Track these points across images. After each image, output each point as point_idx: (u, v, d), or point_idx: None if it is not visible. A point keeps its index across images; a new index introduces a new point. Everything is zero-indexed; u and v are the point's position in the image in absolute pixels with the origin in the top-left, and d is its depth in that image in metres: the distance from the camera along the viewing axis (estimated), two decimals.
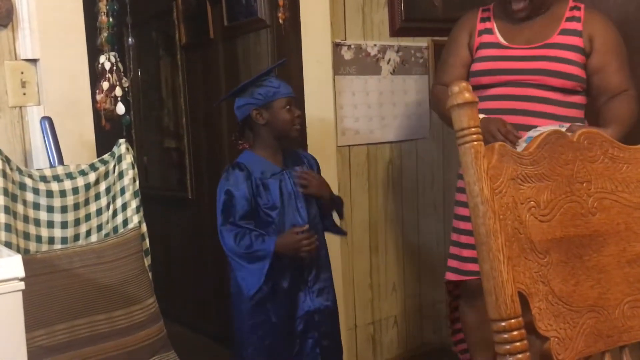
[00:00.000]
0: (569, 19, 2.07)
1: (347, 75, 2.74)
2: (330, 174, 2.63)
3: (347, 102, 2.74)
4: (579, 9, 2.09)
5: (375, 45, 2.81)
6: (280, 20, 2.54)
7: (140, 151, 3.79)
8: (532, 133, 1.88)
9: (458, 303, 2.33)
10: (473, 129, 0.84)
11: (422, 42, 2.93)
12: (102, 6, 2.11)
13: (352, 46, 2.74)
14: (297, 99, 2.10)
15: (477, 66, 2.13)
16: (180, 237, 3.57)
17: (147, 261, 1.97)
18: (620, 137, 1.83)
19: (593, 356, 0.96)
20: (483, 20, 2.18)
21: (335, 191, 2.66)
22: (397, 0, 2.84)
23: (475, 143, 0.84)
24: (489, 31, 2.14)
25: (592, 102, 2.10)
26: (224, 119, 3.09)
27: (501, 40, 2.10)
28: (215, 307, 3.29)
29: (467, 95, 0.83)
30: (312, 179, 2.05)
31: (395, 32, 2.87)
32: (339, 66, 2.70)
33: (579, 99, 2.08)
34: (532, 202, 0.89)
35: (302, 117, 2.33)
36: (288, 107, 1.99)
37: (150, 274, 1.95)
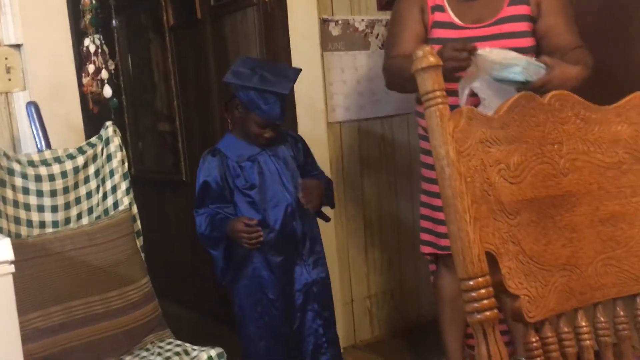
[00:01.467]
0: None
1: (335, 51, 2.73)
2: (321, 151, 2.64)
3: (337, 78, 2.73)
4: None
5: (363, 20, 2.80)
6: None
7: (135, 135, 3.79)
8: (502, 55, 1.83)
9: None
10: (438, 92, 0.84)
11: None
12: None
13: (340, 22, 2.73)
14: (279, 126, 2.03)
15: (435, 48, 2.09)
16: (177, 219, 3.59)
17: (139, 242, 1.98)
18: (585, 78, 1.84)
19: (566, 314, 0.97)
20: None
21: (327, 168, 2.68)
22: None
23: (441, 106, 0.85)
24: (441, 8, 2.09)
25: None
26: (214, 100, 3.09)
27: (455, 19, 2.06)
28: (212, 286, 3.31)
29: (432, 59, 0.83)
30: (312, 192, 2.06)
31: (382, 6, 2.85)
32: (327, 42, 2.70)
33: None
34: (501, 165, 0.90)
35: (290, 100, 2.32)
36: (262, 126, 1.98)
37: (142, 255, 1.97)
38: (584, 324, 0.97)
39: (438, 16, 2.09)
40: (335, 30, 2.72)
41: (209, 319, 3.29)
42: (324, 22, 2.67)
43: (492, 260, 0.88)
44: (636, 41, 2.78)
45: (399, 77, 2.10)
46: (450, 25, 2.07)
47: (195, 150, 3.31)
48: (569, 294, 0.94)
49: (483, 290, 0.84)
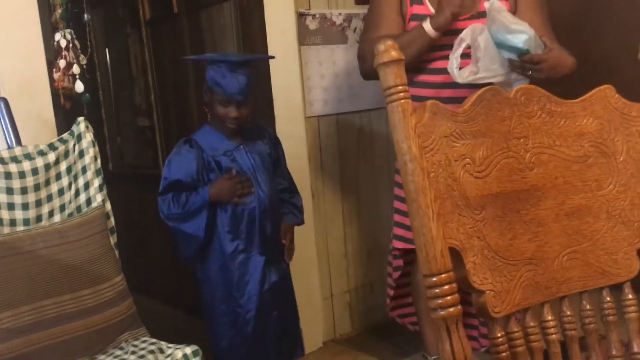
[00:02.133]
0: None
1: (312, 45, 2.71)
2: (299, 145, 2.63)
3: (314, 72, 2.72)
4: None
5: (340, 14, 2.78)
6: None
7: (113, 130, 3.75)
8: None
9: (408, 269, 2.35)
10: (400, 87, 0.83)
11: None
12: None
13: (317, 16, 2.71)
14: (244, 102, 1.99)
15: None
16: (156, 213, 3.55)
17: (113, 239, 1.96)
18: (573, 69, 1.90)
19: (532, 307, 0.97)
20: None
21: (305, 162, 2.67)
22: None
23: (403, 101, 0.84)
24: (419, 1, 2.10)
25: None
26: (192, 94, 3.06)
27: (432, 12, 2.06)
28: (191, 280, 3.30)
29: (394, 54, 0.82)
30: (288, 234, 2.10)
31: (360, 0, 2.84)
32: (304, 36, 2.68)
33: None
34: (467, 159, 0.90)
35: (268, 95, 2.30)
36: (225, 104, 1.96)
37: (117, 252, 1.95)
38: (550, 317, 0.98)
39: (416, 9, 2.10)
40: (312, 24, 2.70)
41: (188, 314, 3.27)
42: (301, 16, 2.66)
43: (457, 255, 0.87)
44: (608, 33, 2.81)
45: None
46: (428, 18, 2.05)
47: (173, 144, 3.27)
48: (534, 288, 0.94)
49: (446, 287, 0.84)
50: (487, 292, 0.89)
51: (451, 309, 0.83)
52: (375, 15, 2.18)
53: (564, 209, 0.98)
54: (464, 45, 1.89)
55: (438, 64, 2.07)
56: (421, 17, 2.07)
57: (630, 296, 1.02)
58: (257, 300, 1.99)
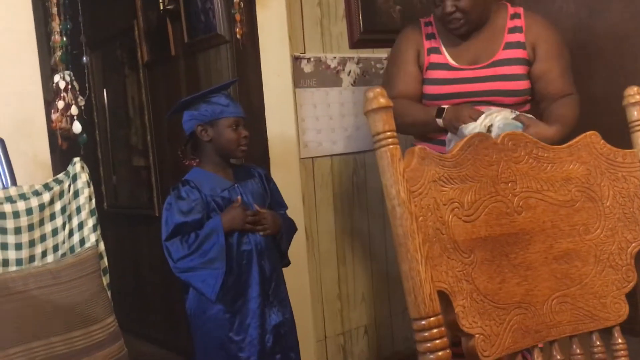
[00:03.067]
0: (511, 30, 2.07)
1: (307, 87, 2.75)
2: (294, 186, 2.64)
3: (309, 114, 2.76)
4: (519, 16, 2.09)
5: (335, 57, 2.84)
6: (238, 36, 2.55)
7: (108, 170, 3.77)
8: (487, 115, 1.88)
9: None
10: (388, 133, 0.85)
11: (382, 53, 2.96)
12: (55, 25, 2.12)
13: (312, 59, 2.76)
14: (247, 120, 2.09)
15: (430, 89, 2.13)
16: (149, 254, 3.55)
17: (106, 280, 1.95)
18: (562, 136, 1.85)
19: (521, 352, 0.97)
20: (428, 37, 2.17)
21: (299, 203, 2.68)
22: (355, 12, 2.87)
23: (391, 147, 0.86)
24: (437, 50, 2.13)
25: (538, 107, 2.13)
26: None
27: (450, 61, 2.10)
28: (185, 323, 3.27)
29: (382, 101, 0.85)
30: (268, 218, 2.03)
31: (354, 44, 2.89)
32: (299, 79, 2.72)
33: (527, 107, 2.11)
34: (455, 203, 0.91)
35: (263, 135, 2.34)
36: (235, 127, 1.99)
37: (109, 293, 1.94)
38: None
39: (434, 58, 2.13)
40: (307, 67, 2.75)
41: (180, 356, 3.23)
42: (296, 59, 2.71)
43: (446, 299, 0.88)
44: (596, 78, 2.87)
45: (400, 120, 2.14)
46: (446, 67, 2.10)
47: (168, 185, 3.29)
48: (524, 332, 0.95)
49: (435, 330, 0.84)
50: (477, 335, 0.89)
51: (440, 353, 0.83)
52: (392, 69, 2.23)
53: (552, 252, 0.99)
54: (453, 143, 1.93)
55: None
56: (438, 66, 2.11)
57: (619, 340, 1.03)
58: (257, 345, 1.96)
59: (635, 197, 1.06)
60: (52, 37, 2.11)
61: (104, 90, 3.72)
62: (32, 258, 1.86)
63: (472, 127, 1.85)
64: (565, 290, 0.99)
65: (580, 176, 1.03)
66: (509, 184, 0.98)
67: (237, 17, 2.51)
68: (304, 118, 2.74)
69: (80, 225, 1.93)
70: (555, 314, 0.98)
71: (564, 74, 2.04)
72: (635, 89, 1.08)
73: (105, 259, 1.99)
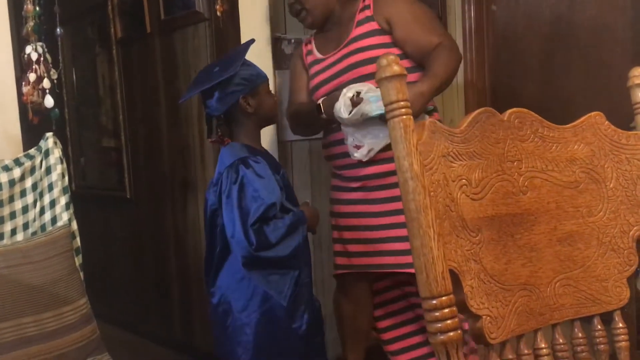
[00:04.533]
0: (361, 10, 2.14)
1: (287, 69, 2.70)
2: None
3: (288, 96, 2.70)
4: (368, 5, 2.14)
5: None
6: (218, 13, 2.48)
7: (77, 149, 3.66)
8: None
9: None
10: (402, 103, 0.82)
11: None
12: None
13: (293, 40, 2.71)
14: None
15: (310, 84, 2.25)
16: (120, 237, 3.46)
17: (78, 260, 1.89)
18: (432, 89, 1.90)
19: (525, 334, 0.95)
20: (306, 43, 2.31)
21: None
22: None
23: (405, 117, 0.82)
24: (310, 52, 2.26)
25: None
26: (162, 115, 3.01)
27: (318, 55, 2.21)
28: (155, 308, 3.20)
29: (396, 68, 0.81)
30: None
31: None
32: (280, 61, 2.67)
33: (411, 77, 2.09)
34: (463, 180, 0.88)
35: None
36: (270, 91, 1.92)
37: (81, 274, 1.87)
38: (543, 345, 0.96)
39: (309, 58, 2.26)
40: (288, 49, 2.70)
41: (151, 342, 3.17)
42: (276, 41, 2.65)
43: (455, 278, 0.85)
44: (574, 70, 2.88)
45: (298, 124, 2.28)
46: (317, 61, 2.22)
47: (140, 167, 3.21)
48: (528, 315, 0.92)
49: (446, 310, 0.81)
50: (484, 317, 0.87)
51: (451, 334, 0.80)
52: (290, 83, 2.37)
53: (556, 234, 0.97)
54: (349, 142, 1.93)
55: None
56: (313, 63, 2.23)
57: (620, 324, 1.01)
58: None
59: (639, 180, 1.04)
60: (25, 6, 2.01)
61: (73, 67, 3.59)
62: (0, 236, 1.78)
63: (338, 106, 1.85)
64: (568, 273, 0.98)
65: (585, 157, 1.02)
66: (514, 163, 0.95)
67: None
68: (284, 101, 2.69)
69: (52, 203, 1.86)
70: (559, 296, 0.97)
71: (425, 28, 2.05)
72: (639, 69, 1.07)
73: (78, 239, 1.92)
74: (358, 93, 1.84)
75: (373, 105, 1.79)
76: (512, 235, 0.93)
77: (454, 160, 0.87)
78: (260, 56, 2.57)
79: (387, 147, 1.87)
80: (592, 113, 1.04)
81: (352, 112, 1.81)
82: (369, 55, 2.06)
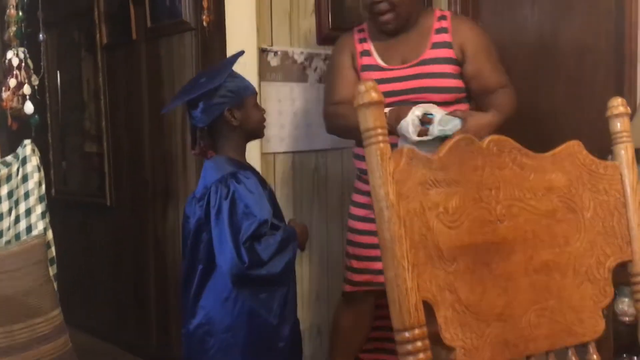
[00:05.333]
0: (438, 31, 2.12)
1: (273, 81, 2.69)
2: None
3: (273, 108, 2.69)
4: (445, 18, 2.15)
5: (302, 52, 2.78)
6: (205, 23, 2.47)
7: (59, 154, 3.62)
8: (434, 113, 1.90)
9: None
10: (379, 130, 0.81)
11: None
12: None
13: (279, 52, 2.70)
14: None
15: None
16: (99, 245, 3.42)
17: (53, 270, 1.86)
18: (499, 123, 1.94)
19: None
20: (361, 41, 2.22)
21: None
22: (324, 8, 2.82)
23: (382, 144, 0.81)
24: (367, 53, 2.18)
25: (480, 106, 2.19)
26: (145, 122, 2.98)
27: (379, 62, 2.15)
28: (133, 317, 3.16)
29: (374, 95, 0.80)
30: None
31: (322, 40, 2.84)
32: (265, 72, 2.65)
33: (461, 107, 2.14)
34: (440, 208, 0.87)
35: None
36: (257, 105, 1.88)
37: (55, 284, 1.84)
38: None
39: (365, 60, 2.19)
40: (273, 61, 2.69)
41: (128, 352, 3.12)
42: (262, 52, 2.64)
43: (428, 309, 0.84)
44: (557, 90, 2.91)
45: (342, 125, 2.16)
46: (376, 68, 2.16)
47: (122, 173, 3.18)
48: (503, 346, 0.92)
49: (419, 343, 0.80)
50: (458, 349, 0.86)
51: None
52: (331, 76, 2.29)
53: (532, 264, 0.96)
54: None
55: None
56: (369, 67, 2.16)
57: (595, 357, 1.01)
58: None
59: (615, 210, 1.04)
60: (7, 11, 1.99)
61: (57, 71, 3.56)
62: None
63: (405, 123, 1.86)
64: (543, 303, 0.97)
65: (563, 186, 1.01)
66: (492, 191, 0.94)
67: (205, 4, 2.43)
68: (268, 112, 2.66)
69: (28, 212, 1.83)
70: (534, 327, 0.96)
71: (495, 69, 2.11)
72: (619, 100, 1.07)
73: (53, 249, 1.89)
74: (427, 114, 1.85)
75: (445, 128, 1.84)
76: (488, 264, 0.92)
77: (431, 187, 0.87)
78: (245, 67, 2.55)
79: None
80: (571, 142, 1.04)
81: (428, 133, 1.83)
82: (438, 84, 2.06)
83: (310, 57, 2.81)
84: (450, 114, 1.89)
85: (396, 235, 0.79)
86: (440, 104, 2.04)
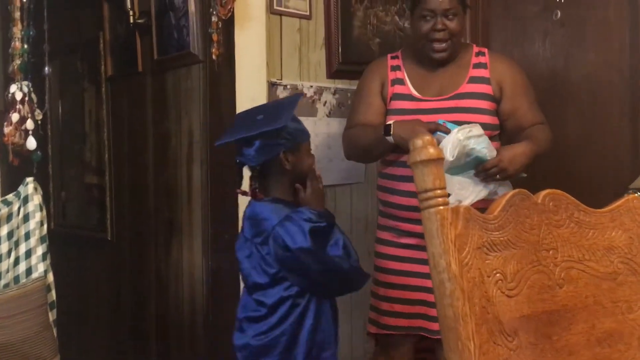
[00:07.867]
0: (476, 66, 2.08)
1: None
2: None
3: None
4: (483, 54, 2.11)
5: (311, 86, 2.72)
6: (214, 57, 2.41)
7: (59, 186, 3.53)
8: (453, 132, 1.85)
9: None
10: (439, 191, 0.72)
11: None
12: (17, 31, 1.93)
13: (288, 86, 2.64)
14: None
15: (392, 119, 2.09)
16: (98, 281, 3.31)
17: (52, 315, 1.76)
18: (532, 153, 1.89)
19: None
20: (393, 69, 2.16)
21: None
22: (334, 42, 2.78)
23: (442, 208, 0.73)
24: (401, 81, 2.13)
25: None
26: (150, 155, 2.90)
27: (413, 92, 2.09)
28: (132, 353, 3.04)
29: (432, 151, 0.72)
30: None
31: (332, 74, 2.79)
32: None
33: (493, 144, 2.07)
34: (498, 275, 0.79)
35: (234, 162, 2.11)
36: (309, 150, 1.81)
37: (55, 330, 1.73)
38: None
39: (398, 89, 2.12)
40: (283, 94, 2.63)
41: None
42: (272, 86, 2.58)
43: None
44: (570, 124, 2.84)
45: (355, 146, 2.16)
46: (409, 97, 2.10)
47: (124, 207, 3.09)
48: None
49: None
50: None
51: None
52: (355, 101, 2.24)
53: (594, 333, 0.88)
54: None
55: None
56: (402, 97, 2.10)
57: None
58: None
59: None
60: (12, 44, 1.91)
61: (59, 101, 3.49)
62: None
63: (445, 143, 1.80)
64: None
65: (623, 245, 0.93)
66: (550, 252, 0.86)
67: (215, 37, 2.37)
68: None
69: (28, 253, 1.73)
70: None
71: (532, 107, 2.07)
72: None
73: (54, 292, 1.79)
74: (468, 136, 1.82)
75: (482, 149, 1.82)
76: (549, 336, 0.83)
77: (489, 251, 0.78)
78: (254, 100, 2.49)
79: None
80: (630, 196, 0.96)
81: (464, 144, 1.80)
82: (473, 120, 1.99)
83: (319, 91, 2.75)
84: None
85: (460, 313, 0.70)
86: None
